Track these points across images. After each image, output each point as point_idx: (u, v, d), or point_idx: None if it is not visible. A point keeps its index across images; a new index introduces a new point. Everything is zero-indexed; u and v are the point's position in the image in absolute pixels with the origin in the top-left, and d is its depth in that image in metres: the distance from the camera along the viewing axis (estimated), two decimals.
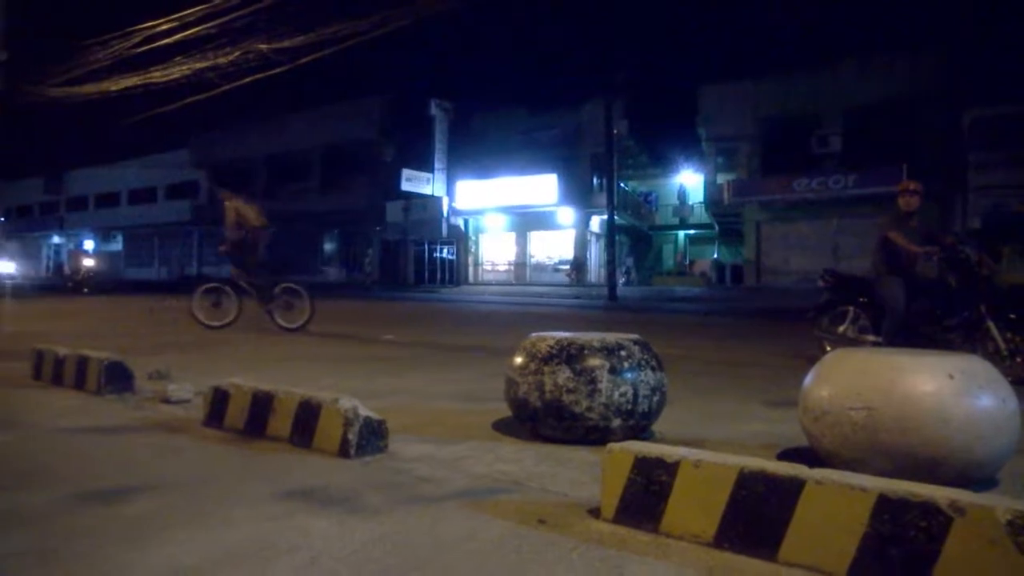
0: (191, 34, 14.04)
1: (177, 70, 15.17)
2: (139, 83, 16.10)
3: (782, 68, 27.24)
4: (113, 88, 16.77)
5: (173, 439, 3.47)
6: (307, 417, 3.24)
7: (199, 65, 14.80)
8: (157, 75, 15.61)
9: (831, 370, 3.01)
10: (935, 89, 23.98)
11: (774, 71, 27.46)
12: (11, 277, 33.62)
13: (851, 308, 6.85)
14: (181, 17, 13.86)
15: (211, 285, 9.97)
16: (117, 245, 52.17)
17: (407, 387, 5.23)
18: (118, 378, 4.61)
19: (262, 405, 3.44)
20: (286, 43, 14.00)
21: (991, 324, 5.95)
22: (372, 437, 3.12)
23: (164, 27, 14.16)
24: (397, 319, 13.76)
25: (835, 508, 2.00)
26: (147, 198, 48.70)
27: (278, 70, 14.63)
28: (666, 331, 10.99)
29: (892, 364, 2.86)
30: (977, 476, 2.77)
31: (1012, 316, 6.01)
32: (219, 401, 3.65)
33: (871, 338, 6.52)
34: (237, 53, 14.31)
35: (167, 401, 4.32)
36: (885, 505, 1.93)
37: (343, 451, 3.06)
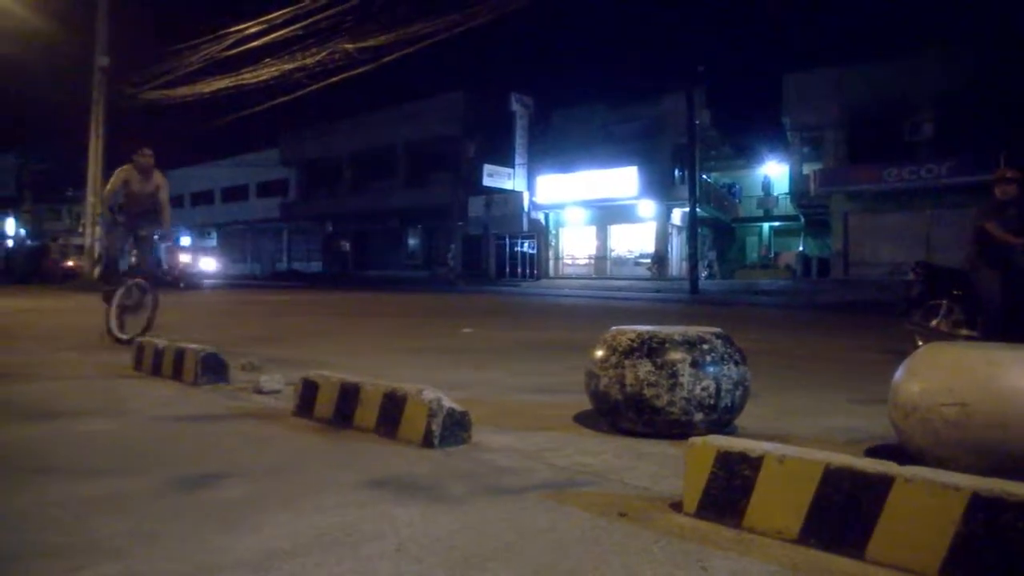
0: (279, 36, 14.56)
1: (266, 71, 15.76)
2: (231, 85, 16.81)
3: (869, 53, 26.14)
4: (206, 90, 17.57)
5: (265, 428, 3.63)
6: (392, 408, 3.33)
7: (287, 66, 15.34)
8: (247, 76, 16.27)
9: (923, 365, 2.91)
10: None
11: (861, 57, 26.37)
12: (206, 276, 29.85)
13: (945, 302, 6.58)
14: (270, 20, 14.37)
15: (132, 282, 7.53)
16: (212, 241, 54.60)
17: (488, 379, 5.30)
18: (213, 369, 4.84)
19: (349, 396, 3.57)
20: (370, 42, 14.34)
21: None
22: (455, 428, 3.19)
23: (253, 30, 14.73)
24: (478, 312, 13.93)
25: (926, 506, 1.94)
26: (239, 196, 50.80)
27: (363, 69, 15.02)
28: (749, 325, 10.76)
29: (988, 359, 2.75)
30: None
31: None
32: (308, 392, 3.80)
33: (966, 332, 6.25)
34: (323, 54, 14.76)
35: (259, 391, 4.51)
36: (979, 504, 1.86)
37: (427, 441, 3.14)
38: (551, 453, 3.14)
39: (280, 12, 14.10)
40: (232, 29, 14.98)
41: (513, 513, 2.38)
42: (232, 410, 4.08)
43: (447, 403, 3.19)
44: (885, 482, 2.03)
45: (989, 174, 7.31)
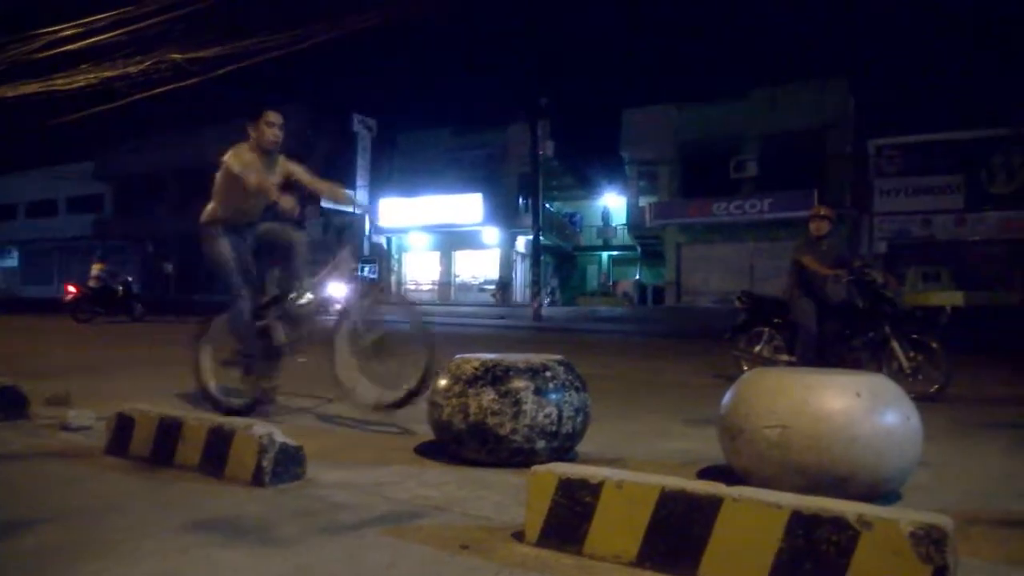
0: (99, 40, 13.46)
1: (83, 78, 14.52)
2: (40, 90, 15.33)
3: (702, 95, 28.20)
4: (10, 94, 15.95)
5: (73, 468, 3.27)
6: (219, 444, 3.10)
7: (107, 73, 14.21)
8: (60, 82, 14.90)
9: (747, 389, 3.09)
10: (843, 118, 25.29)
11: (694, 98, 28.38)
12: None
13: (767, 328, 7.07)
14: (89, 23, 13.26)
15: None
16: (12, 261, 49.42)
17: (326, 411, 5.09)
18: (10, 404, 4.32)
19: (170, 432, 3.28)
20: (201, 54, 13.62)
21: (895, 343, 6.24)
22: (288, 464, 3.01)
23: (69, 32, 13.53)
24: (314, 340, 13.38)
25: (752, 525, 2.04)
26: (47, 211, 46.35)
27: (192, 81, 14.23)
28: (590, 351, 11.10)
29: (804, 383, 2.96)
30: (883, 490, 2.88)
31: (914, 336, 6.33)
32: (123, 428, 3.46)
33: (785, 357, 6.74)
34: (148, 62, 13.82)
35: (66, 428, 4.06)
36: (798, 521, 1.98)
37: (257, 479, 2.94)
38: (391, 487, 3.04)
39: (101, 16, 13.03)
40: (45, 30, 13.68)
41: (350, 552, 2.27)
42: (34, 449, 3.65)
43: (279, 438, 3.01)
44: (714, 503, 2.11)
45: (806, 210, 8.02)
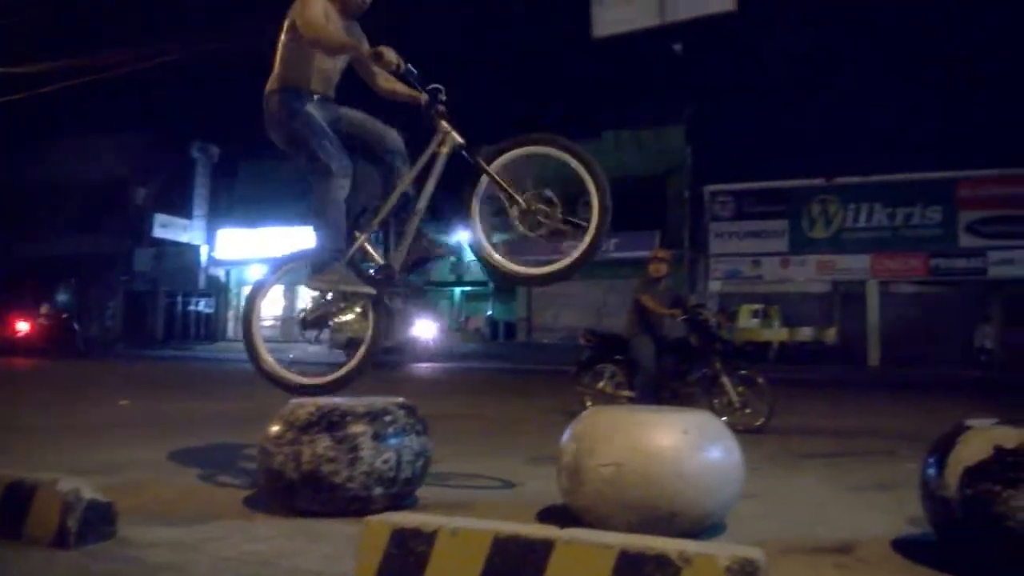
0: None
1: None
2: None
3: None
4: None
5: None
6: (16, 502, 2.77)
7: None
8: None
9: (584, 427, 3.16)
10: (682, 164, 27.06)
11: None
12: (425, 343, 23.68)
13: (609, 365, 7.32)
14: None
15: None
16: None
17: (146, 460, 4.67)
18: None
19: None
20: (22, 69, 12.56)
21: (725, 379, 6.65)
22: (98, 522, 2.73)
23: None
24: (140, 381, 12.49)
25: (583, 566, 2.06)
26: None
27: (11, 98, 13.08)
28: (438, 389, 11.05)
29: (636, 421, 3.07)
30: (709, 523, 3.02)
31: (742, 371, 6.78)
32: None
33: (626, 393, 6.98)
34: None
35: None
36: (625, 560, 2.01)
37: (60, 541, 2.65)
38: (215, 543, 2.83)
39: None
40: None
41: None
42: None
43: (88, 493, 2.73)
44: (547, 546, 2.12)
45: (649, 251, 8.44)
